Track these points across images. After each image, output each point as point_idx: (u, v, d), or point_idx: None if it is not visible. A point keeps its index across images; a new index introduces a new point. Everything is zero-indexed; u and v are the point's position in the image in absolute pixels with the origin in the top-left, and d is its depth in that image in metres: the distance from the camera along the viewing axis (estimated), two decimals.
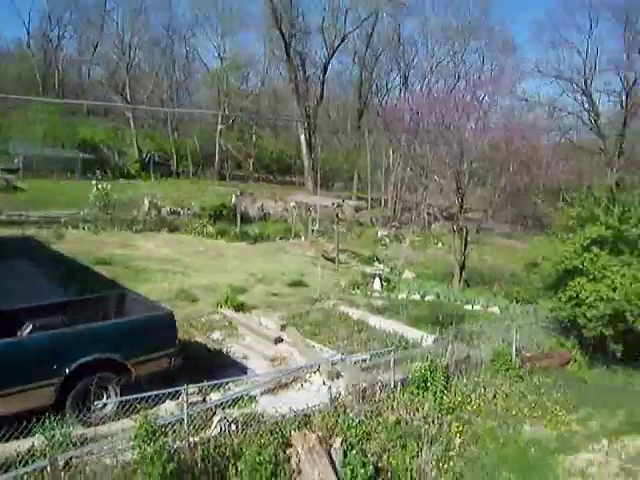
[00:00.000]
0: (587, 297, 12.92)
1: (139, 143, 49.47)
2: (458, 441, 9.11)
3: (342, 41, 44.52)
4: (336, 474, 7.50)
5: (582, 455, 9.05)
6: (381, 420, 9.35)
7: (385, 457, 8.30)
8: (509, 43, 53.60)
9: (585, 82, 46.32)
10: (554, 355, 13.69)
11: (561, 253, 13.53)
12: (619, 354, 13.42)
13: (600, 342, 13.86)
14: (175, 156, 51.19)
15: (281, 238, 28.84)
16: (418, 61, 52.74)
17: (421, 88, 45.35)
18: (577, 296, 13.31)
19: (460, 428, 9.43)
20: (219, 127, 50.69)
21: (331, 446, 8.05)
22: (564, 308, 13.84)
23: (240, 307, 14.98)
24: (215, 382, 9.35)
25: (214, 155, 51.16)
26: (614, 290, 12.68)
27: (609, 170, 41.10)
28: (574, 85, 47.19)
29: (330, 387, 10.41)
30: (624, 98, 45.00)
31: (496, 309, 17.72)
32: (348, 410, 9.50)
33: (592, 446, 9.35)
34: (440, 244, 33.02)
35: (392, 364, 10.36)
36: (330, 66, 48.73)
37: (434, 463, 8.32)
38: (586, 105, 47.31)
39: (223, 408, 8.93)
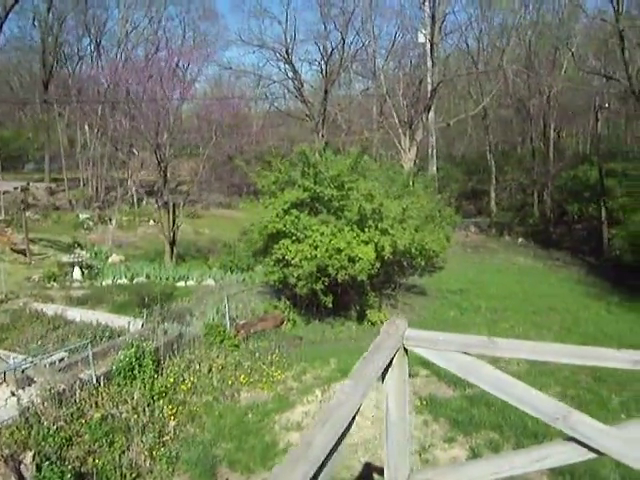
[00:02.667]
0: (293, 258, 14.15)
1: None
2: (173, 424, 9.26)
3: (16, 1, 39.74)
4: None
5: (298, 409, 9.94)
6: (84, 421, 9.01)
7: (90, 459, 8.07)
8: (211, 11, 54.72)
9: (287, 51, 49.74)
10: (268, 318, 14.78)
11: (265, 218, 14.53)
12: (330, 305, 15.02)
13: (313, 298, 15.36)
14: None
15: None
16: (112, 26, 50.45)
17: (116, 56, 43.45)
18: (284, 258, 14.50)
19: (174, 410, 9.59)
20: None
21: (21, 462, 7.45)
22: (274, 271, 15.00)
23: None
24: None
25: None
26: (316, 248, 14.14)
27: (316, 135, 45.31)
28: (277, 54, 50.40)
29: (19, 397, 9.58)
30: (324, 67, 49.79)
31: (211, 281, 18.36)
32: (43, 418, 8.89)
33: (307, 399, 10.32)
34: (152, 222, 32.68)
35: (91, 358, 9.97)
36: (5, 30, 43.45)
37: (147, 453, 8.34)
38: (290, 74, 51.03)
39: None
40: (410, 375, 10.63)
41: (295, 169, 15.49)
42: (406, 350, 3.20)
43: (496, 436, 8.68)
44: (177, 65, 26.46)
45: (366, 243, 14.33)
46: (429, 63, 37.50)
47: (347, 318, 16.06)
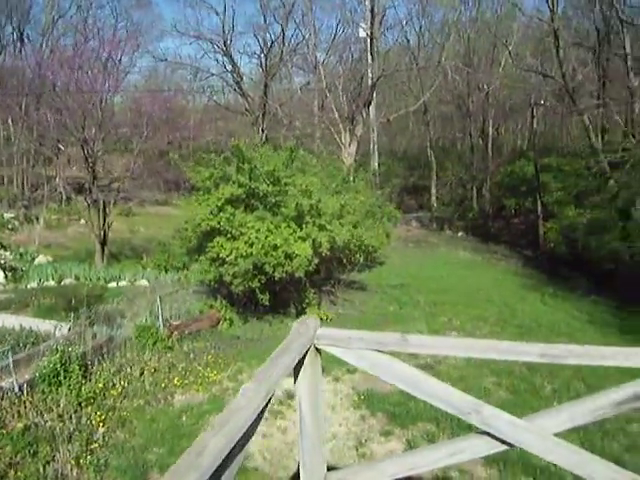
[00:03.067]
0: (228, 255, 13.96)
1: None
2: (102, 430, 9.03)
3: None
4: None
5: None
6: (5, 432, 8.69)
7: (12, 472, 7.78)
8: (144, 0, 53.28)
9: (225, 43, 48.91)
10: (203, 318, 14.56)
11: (199, 215, 14.28)
12: (268, 303, 14.88)
13: (250, 296, 15.22)
14: None
15: None
16: (37, 13, 48.56)
17: (41, 46, 41.77)
18: (219, 256, 14.29)
19: (103, 416, 9.35)
20: None
21: None
22: (209, 270, 14.76)
23: None
24: None
25: None
26: (251, 245, 13.99)
27: (256, 130, 44.87)
28: (215, 46, 49.47)
29: None
30: (263, 60, 49.24)
31: (144, 282, 18.00)
32: None
33: None
34: (83, 220, 31.53)
35: (11, 366, 9.64)
36: None
37: (74, 462, 8.11)
38: (228, 66, 50.22)
39: None
40: (349, 371, 10.71)
41: (231, 164, 15.26)
42: (319, 350, 3.19)
43: (432, 428, 8.85)
44: (109, 56, 25.74)
45: (303, 239, 14.27)
46: (369, 58, 37.78)
47: (286, 315, 16.00)
